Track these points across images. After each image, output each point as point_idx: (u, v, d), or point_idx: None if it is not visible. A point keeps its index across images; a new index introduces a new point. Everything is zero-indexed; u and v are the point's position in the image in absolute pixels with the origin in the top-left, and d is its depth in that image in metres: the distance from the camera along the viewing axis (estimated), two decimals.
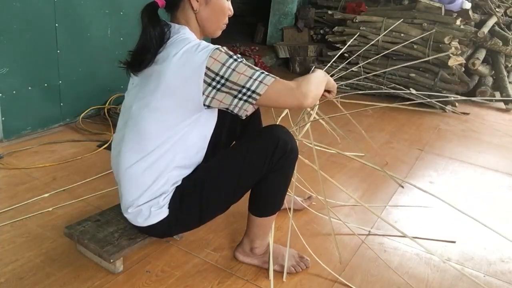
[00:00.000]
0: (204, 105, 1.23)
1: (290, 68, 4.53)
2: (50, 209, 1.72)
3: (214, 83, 1.19)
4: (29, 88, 2.30)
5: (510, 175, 2.55)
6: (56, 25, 2.33)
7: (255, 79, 1.20)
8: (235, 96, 1.21)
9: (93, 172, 2.04)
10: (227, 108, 1.24)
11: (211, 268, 1.49)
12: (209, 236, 1.66)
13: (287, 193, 1.46)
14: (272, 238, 1.51)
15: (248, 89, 1.20)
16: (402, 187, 2.22)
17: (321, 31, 4.58)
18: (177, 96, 1.22)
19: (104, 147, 2.30)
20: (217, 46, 1.21)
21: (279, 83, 1.22)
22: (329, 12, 4.34)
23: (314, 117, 1.69)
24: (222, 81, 1.19)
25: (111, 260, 1.36)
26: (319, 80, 1.37)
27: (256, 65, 4.27)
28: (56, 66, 2.40)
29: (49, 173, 2.01)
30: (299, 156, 1.38)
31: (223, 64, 1.18)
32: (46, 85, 2.38)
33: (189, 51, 1.20)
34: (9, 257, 1.44)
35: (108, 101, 2.71)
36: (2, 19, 2.08)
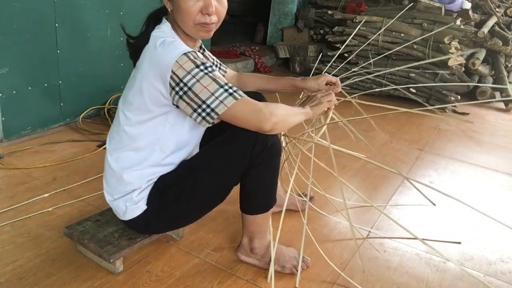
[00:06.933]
0: (173, 104, 1.23)
1: (290, 68, 4.53)
2: (50, 209, 1.72)
3: (177, 89, 1.19)
4: (29, 88, 2.30)
5: (510, 175, 2.55)
6: (56, 25, 2.33)
7: (217, 97, 1.18)
8: (195, 110, 1.20)
9: (93, 172, 2.04)
10: (190, 116, 1.23)
11: (211, 268, 1.49)
12: (209, 236, 1.66)
13: (289, 193, 1.45)
14: (272, 238, 1.51)
15: (208, 106, 1.18)
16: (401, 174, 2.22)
17: (321, 31, 4.59)
18: (147, 92, 1.23)
19: (104, 147, 2.30)
20: (185, 50, 1.19)
21: (242, 104, 1.20)
22: (329, 12, 4.34)
23: (332, 118, 1.58)
24: (185, 88, 1.18)
25: (111, 260, 1.36)
26: (294, 112, 1.33)
27: (256, 65, 4.28)
28: (56, 66, 2.40)
29: (49, 173, 2.01)
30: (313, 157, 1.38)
31: (188, 72, 1.17)
32: (46, 85, 2.38)
33: (157, 48, 1.20)
34: (9, 257, 1.44)
35: (108, 101, 2.71)
36: (2, 19, 2.08)
